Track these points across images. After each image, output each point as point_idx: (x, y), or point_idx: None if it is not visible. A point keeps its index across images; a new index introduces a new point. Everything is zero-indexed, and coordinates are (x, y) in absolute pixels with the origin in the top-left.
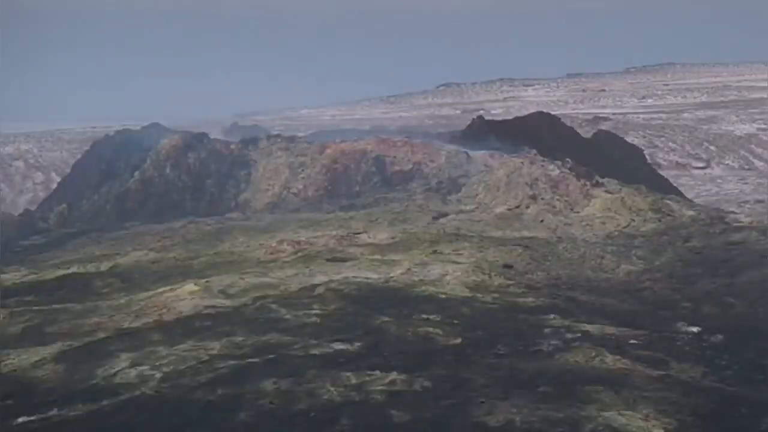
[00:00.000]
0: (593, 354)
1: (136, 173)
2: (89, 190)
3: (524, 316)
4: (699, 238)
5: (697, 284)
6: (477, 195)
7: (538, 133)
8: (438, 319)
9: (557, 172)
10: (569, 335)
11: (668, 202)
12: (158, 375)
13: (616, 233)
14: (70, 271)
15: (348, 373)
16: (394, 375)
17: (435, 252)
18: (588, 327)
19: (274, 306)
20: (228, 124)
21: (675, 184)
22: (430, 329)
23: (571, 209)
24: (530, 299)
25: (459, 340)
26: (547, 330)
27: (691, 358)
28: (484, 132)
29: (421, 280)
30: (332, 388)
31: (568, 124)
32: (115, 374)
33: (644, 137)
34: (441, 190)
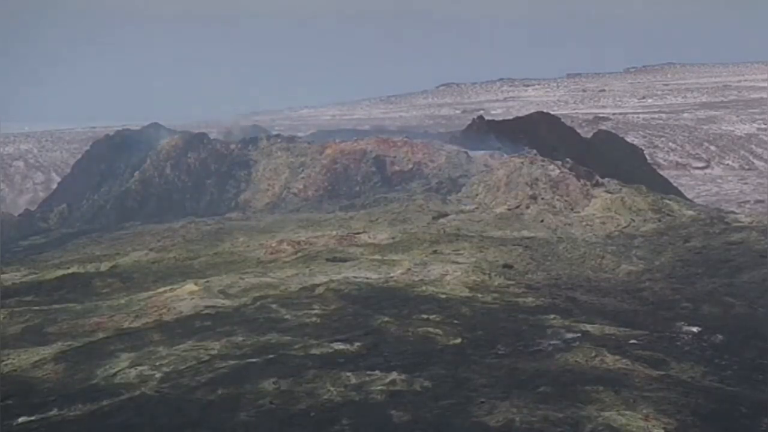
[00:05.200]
0: (593, 354)
1: (136, 173)
2: (89, 190)
3: (524, 316)
4: (699, 238)
5: (697, 284)
6: (477, 195)
7: (538, 133)
8: (438, 319)
9: (557, 172)
10: (569, 335)
11: (668, 202)
12: (158, 375)
13: (616, 233)
14: (70, 271)
15: (348, 373)
16: (394, 375)
17: (435, 252)
18: (588, 327)
19: (274, 306)
20: (228, 124)
21: (675, 184)
22: (430, 329)
23: (571, 209)
24: (530, 299)
25: (459, 340)
26: (547, 330)
27: (691, 358)
28: (484, 132)
29: (421, 280)
30: (332, 388)
31: (568, 124)
32: (115, 374)
33: (644, 137)
34: (441, 190)
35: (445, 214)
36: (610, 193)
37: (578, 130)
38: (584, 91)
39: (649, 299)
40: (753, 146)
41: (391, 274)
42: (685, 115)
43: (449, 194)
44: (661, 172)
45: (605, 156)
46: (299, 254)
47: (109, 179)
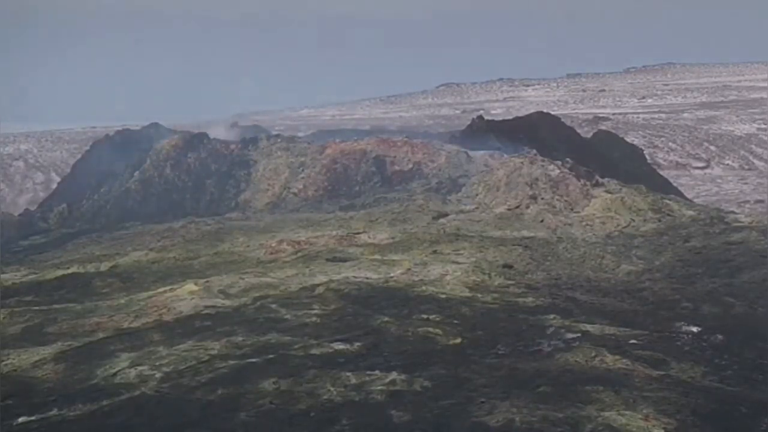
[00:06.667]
0: (593, 354)
1: (136, 173)
2: (89, 190)
3: (524, 316)
4: (699, 238)
5: (697, 284)
6: (477, 195)
7: (538, 133)
8: (438, 319)
9: (557, 172)
10: (569, 335)
11: (668, 202)
12: (158, 375)
13: (616, 233)
14: (70, 271)
15: (348, 373)
16: (394, 375)
17: (435, 252)
18: (588, 327)
19: (274, 306)
20: (228, 124)
21: (675, 184)
22: (430, 329)
23: (571, 209)
24: (530, 299)
25: (459, 340)
26: (547, 330)
27: (691, 358)
28: (484, 132)
29: (421, 280)
30: (332, 388)
31: (568, 124)
32: (115, 374)
33: (644, 137)
34: (441, 190)
35: (445, 214)
36: (610, 193)
37: (578, 130)
38: (584, 91)
39: (649, 299)
40: (753, 146)
41: (391, 274)
42: (685, 115)
43: (449, 194)
44: (661, 172)
45: (605, 156)
46: (299, 254)
47: (109, 179)
